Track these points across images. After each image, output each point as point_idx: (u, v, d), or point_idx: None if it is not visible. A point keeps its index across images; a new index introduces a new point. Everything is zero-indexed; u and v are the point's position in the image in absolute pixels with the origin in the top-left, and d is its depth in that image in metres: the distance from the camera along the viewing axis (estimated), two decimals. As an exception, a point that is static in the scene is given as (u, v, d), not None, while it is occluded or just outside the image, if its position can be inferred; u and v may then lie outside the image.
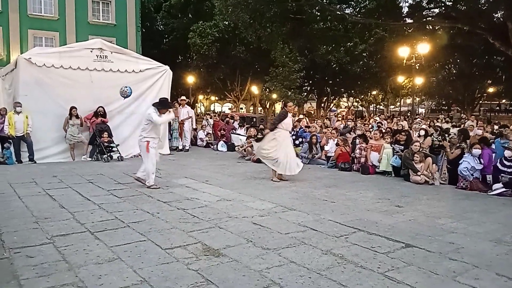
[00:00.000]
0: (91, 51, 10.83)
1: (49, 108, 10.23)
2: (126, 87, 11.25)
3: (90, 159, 10.50)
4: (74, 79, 10.50)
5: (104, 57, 10.94)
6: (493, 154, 8.12)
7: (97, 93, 10.78)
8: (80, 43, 12.08)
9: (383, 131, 10.88)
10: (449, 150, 8.62)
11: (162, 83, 11.87)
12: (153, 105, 7.18)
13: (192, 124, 13.64)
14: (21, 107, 9.80)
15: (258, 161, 10.64)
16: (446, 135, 10.08)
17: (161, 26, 37.49)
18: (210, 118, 17.26)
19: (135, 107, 11.45)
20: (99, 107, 10.61)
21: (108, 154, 10.28)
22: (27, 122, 9.85)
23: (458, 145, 8.63)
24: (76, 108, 10.31)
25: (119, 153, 10.47)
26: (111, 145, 10.46)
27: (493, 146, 8.52)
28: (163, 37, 37.08)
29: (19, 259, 3.61)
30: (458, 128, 12.31)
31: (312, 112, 45.09)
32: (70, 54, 10.66)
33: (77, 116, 10.36)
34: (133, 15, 27.69)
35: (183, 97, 14.14)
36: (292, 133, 12.72)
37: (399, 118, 22.25)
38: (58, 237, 4.24)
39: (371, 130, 11.91)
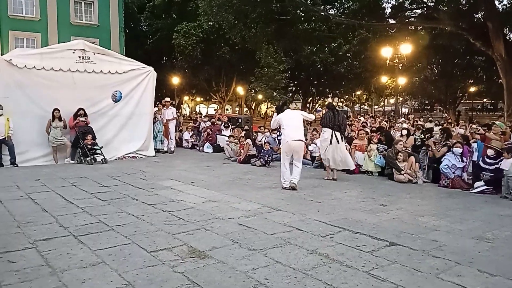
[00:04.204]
0: (73, 52, 10.66)
1: (31, 110, 10.05)
2: (116, 91, 11.19)
3: (73, 161, 10.36)
4: (56, 80, 10.33)
5: (87, 58, 10.79)
6: (469, 154, 8.30)
7: (80, 94, 10.61)
8: (62, 44, 11.90)
9: (368, 131, 11.01)
10: (435, 148, 8.75)
11: (146, 84, 11.77)
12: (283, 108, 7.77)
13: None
14: (2, 109, 9.61)
15: (244, 162, 10.67)
16: (429, 134, 10.24)
17: (145, 27, 37.21)
18: (205, 121, 16.04)
19: (119, 109, 11.33)
20: (79, 108, 10.45)
21: (92, 157, 10.15)
22: (8, 125, 9.65)
23: (444, 143, 8.76)
24: (59, 110, 10.14)
25: (103, 156, 10.35)
26: (95, 147, 10.32)
27: (475, 146, 8.66)
28: (147, 37, 36.80)
29: (1, 265, 3.54)
30: (440, 127, 12.55)
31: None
32: (52, 55, 10.48)
33: (60, 118, 10.20)
34: (116, 16, 27.35)
35: (167, 99, 14.06)
36: (278, 133, 12.78)
37: (383, 117, 22.49)
38: (41, 241, 4.17)
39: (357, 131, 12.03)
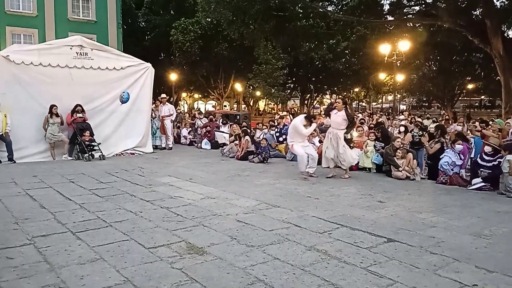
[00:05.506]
0: (71, 48, 10.64)
1: (28, 106, 10.02)
2: (124, 92, 11.29)
3: (71, 158, 10.34)
4: (53, 76, 10.31)
5: (84, 54, 10.77)
6: (468, 151, 8.34)
7: (77, 91, 10.58)
8: (59, 40, 11.87)
9: (367, 128, 11.01)
10: (427, 145, 8.77)
11: (144, 80, 11.75)
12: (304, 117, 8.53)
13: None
14: (-1, 105, 9.59)
15: (242, 158, 10.66)
16: (425, 132, 10.27)
17: (143, 23, 36.98)
18: (201, 118, 16.00)
19: (117, 106, 11.32)
20: (77, 105, 10.41)
21: (90, 153, 10.13)
22: (5, 121, 9.62)
23: (437, 140, 8.77)
24: (56, 106, 10.11)
25: (101, 152, 10.33)
26: (93, 143, 10.30)
27: (472, 143, 8.70)
28: (144, 34, 36.61)
29: (-1, 261, 3.54)
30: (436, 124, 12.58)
31: (296, 109, 45.29)
32: (49, 51, 10.46)
33: (57, 115, 10.17)
34: (113, 12, 27.22)
35: (164, 95, 14.07)
36: (276, 130, 12.80)
37: (381, 114, 22.51)
38: (38, 237, 4.17)
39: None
